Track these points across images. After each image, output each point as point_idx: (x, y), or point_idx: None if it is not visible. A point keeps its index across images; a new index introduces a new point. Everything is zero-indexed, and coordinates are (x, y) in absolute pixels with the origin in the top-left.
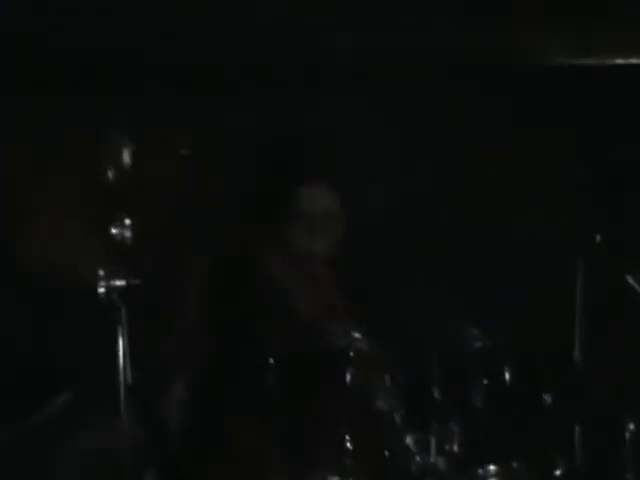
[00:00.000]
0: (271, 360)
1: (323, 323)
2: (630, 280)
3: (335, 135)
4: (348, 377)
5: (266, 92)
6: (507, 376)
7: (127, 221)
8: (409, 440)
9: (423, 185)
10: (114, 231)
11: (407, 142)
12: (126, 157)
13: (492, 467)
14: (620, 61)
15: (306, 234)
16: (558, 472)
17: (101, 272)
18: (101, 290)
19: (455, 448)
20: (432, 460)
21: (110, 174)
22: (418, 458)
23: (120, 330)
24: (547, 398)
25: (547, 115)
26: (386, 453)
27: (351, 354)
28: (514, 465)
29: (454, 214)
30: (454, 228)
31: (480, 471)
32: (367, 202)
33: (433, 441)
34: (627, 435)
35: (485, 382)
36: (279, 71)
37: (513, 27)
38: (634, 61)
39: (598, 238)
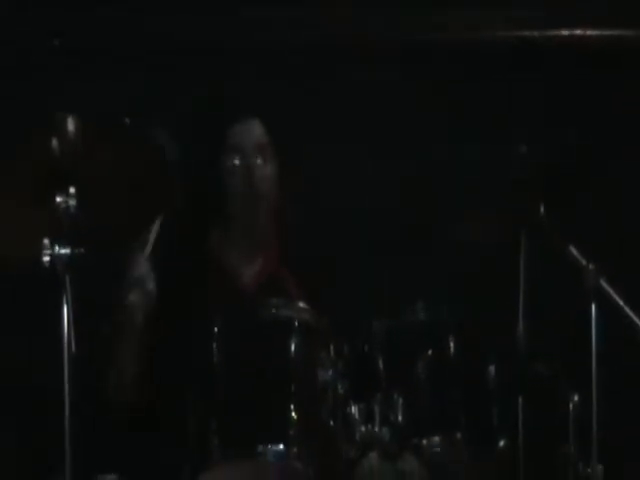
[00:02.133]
0: (215, 329)
1: (265, 292)
2: (573, 252)
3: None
4: (292, 347)
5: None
6: (451, 348)
7: (72, 190)
8: (353, 410)
9: (368, 165)
10: (58, 200)
11: (357, 124)
12: (70, 126)
13: (436, 438)
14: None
15: (242, 166)
16: (501, 444)
17: (45, 241)
18: (46, 259)
19: (399, 418)
20: (376, 430)
21: (54, 143)
22: (362, 428)
23: (64, 299)
24: (490, 370)
25: (488, 92)
26: (330, 423)
27: (295, 324)
28: (457, 436)
29: (401, 193)
30: (397, 205)
31: (424, 442)
32: (316, 177)
33: (377, 411)
34: (570, 406)
35: (429, 353)
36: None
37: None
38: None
39: (542, 210)
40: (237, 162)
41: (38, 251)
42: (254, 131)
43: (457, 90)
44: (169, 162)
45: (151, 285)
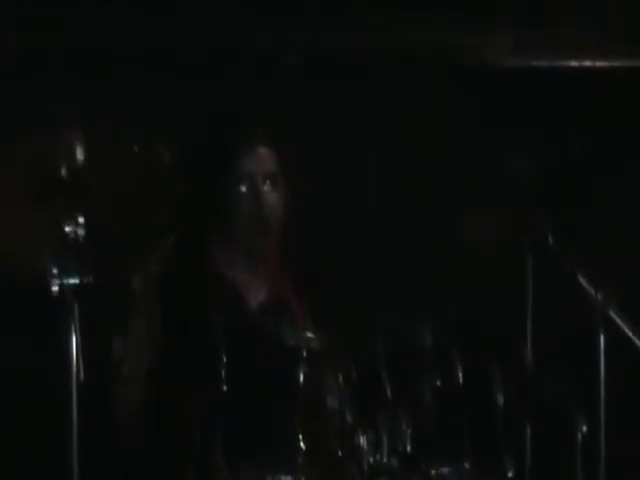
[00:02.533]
0: (222, 356)
1: (274, 318)
2: (581, 280)
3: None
4: (300, 376)
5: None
6: (459, 375)
7: (80, 219)
8: (361, 439)
9: (369, 182)
10: (67, 229)
11: (354, 129)
12: (79, 153)
13: (445, 468)
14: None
15: (251, 193)
16: (509, 474)
17: (54, 270)
18: (54, 288)
19: (407, 448)
20: (384, 460)
21: (63, 171)
22: (371, 458)
23: (73, 327)
24: (499, 398)
25: (493, 111)
26: (339, 452)
27: (303, 353)
28: (466, 466)
29: (404, 213)
30: (404, 226)
31: (433, 472)
32: (318, 200)
33: (385, 440)
34: (579, 436)
35: (436, 381)
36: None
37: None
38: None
39: (550, 238)
40: (245, 189)
41: (45, 277)
42: (265, 159)
43: (458, 93)
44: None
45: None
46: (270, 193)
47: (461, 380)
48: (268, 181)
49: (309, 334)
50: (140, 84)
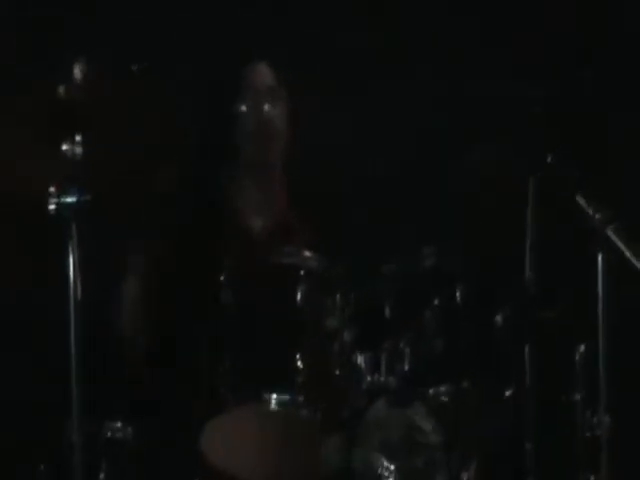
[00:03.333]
0: (222, 277)
1: (275, 241)
2: (580, 200)
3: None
4: (299, 295)
5: None
6: (458, 295)
7: (78, 137)
8: (359, 359)
9: (377, 111)
10: (65, 147)
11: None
12: (77, 73)
13: (443, 387)
14: None
15: (253, 107)
16: (508, 393)
17: (52, 189)
18: (51, 207)
19: (406, 367)
20: (383, 379)
21: (61, 90)
22: (369, 377)
23: (71, 246)
24: (498, 318)
25: (496, 33)
26: (336, 372)
27: (302, 272)
28: (465, 385)
29: (406, 137)
30: (407, 152)
31: (431, 391)
32: (322, 126)
33: (384, 360)
34: (577, 356)
35: (436, 301)
36: None
37: None
38: None
39: (549, 158)
40: (248, 105)
41: (44, 197)
42: (264, 74)
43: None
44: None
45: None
46: (271, 108)
47: (460, 301)
48: (269, 96)
49: (307, 253)
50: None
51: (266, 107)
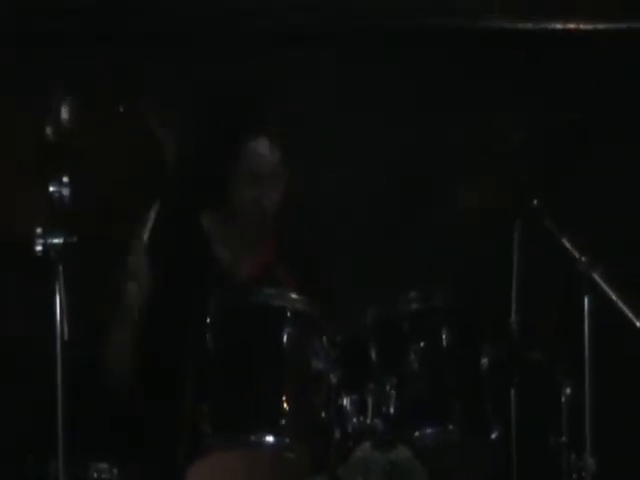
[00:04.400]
0: (209, 316)
1: (261, 283)
2: (566, 243)
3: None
4: (285, 336)
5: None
6: (444, 338)
7: (65, 179)
8: (345, 401)
9: (358, 152)
10: (52, 189)
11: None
12: (65, 113)
13: (428, 430)
14: (559, 26)
15: (252, 187)
16: (494, 435)
17: (38, 230)
18: (38, 248)
19: (392, 410)
20: (368, 421)
21: (49, 130)
22: (355, 419)
23: (57, 286)
24: (484, 361)
25: (482, 78)
26: (322, 414)
27: (288, 314)
28: (450, 428)
29: (391, 178)
30: (391, 192)
31: (416, 434)
32: (308, 170)
33: (369, 403)
34: (563, 399)
35: (422, 344)
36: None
37: None
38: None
39: (535, 202)
40: (248, 184)
41: (31, 238)
42: (270, 158)
43: (450, 67)
44: (165, 146)
45: (146, 270)
46: (271, 189)
47: (447, 344)
48: (270, 178)
49: (294, 295)
50: (133, 54)
51: (268, 192)
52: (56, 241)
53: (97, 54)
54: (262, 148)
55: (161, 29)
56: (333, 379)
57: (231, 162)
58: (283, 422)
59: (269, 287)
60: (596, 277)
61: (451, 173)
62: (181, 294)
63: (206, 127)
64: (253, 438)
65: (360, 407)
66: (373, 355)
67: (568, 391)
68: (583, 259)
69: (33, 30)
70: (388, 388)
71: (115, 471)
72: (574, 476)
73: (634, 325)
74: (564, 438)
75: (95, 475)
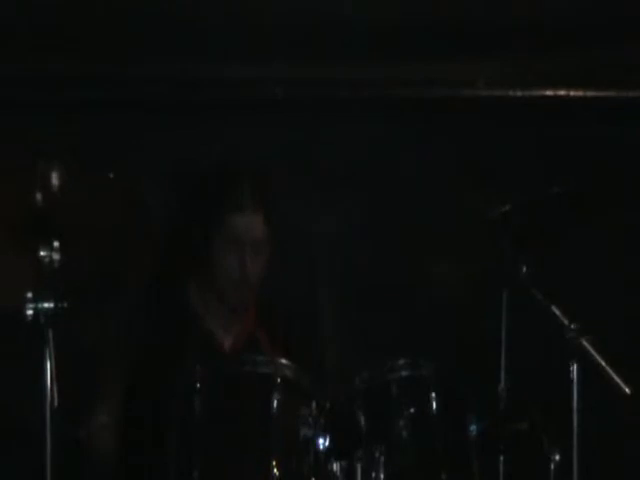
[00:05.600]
0: (197, 385)
1: (247, 352)
2: (555, 310)
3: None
4: (274, 403)
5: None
6: (433, 406)
7: (55, 243)
8: (335, 467)
9: (347, 221)
10: (42, 253)
11: (336, 177)
12: (55, 179)
13: None
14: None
15: (237, 259)
16: None
17: (29, 294)
18: (29, 312)
19: (381, 476)
20: None
21: (38, 196)
22: None
23: (47, 352)
24: (472, 428)
25: (466, 147)
26: None
27: (277, 380)
28: None
29: (380, 247)
30: (381, 261)
31: None
32: (294, 235)
33: (359, 469)
34: (552, 466)
35: (411, 411)
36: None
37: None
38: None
39: (523, 269)
40: (232, 254)
41: (21, 303)
42: (254, 227)
43: (436, 143)
44: (152, 213)
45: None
46: (255, 258)
47: (434, 411)
48: (254, 248)
49: (283, 361)
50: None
51: (250, 260)
52: (47, 305)
53: (86, 120)
54: (249, 217)
55: (148, 97)
56: (322, 445)
57: (214, 229)
58: None
59: (256, 356)
60: (585, 343)
61: (438, 245)
62: (166, 363)
63: (188, 197)
64: None
65: (349, 473)
66: (362, 421)
67: (557, 458)
68: (573, 326)
69: (18, 98)
70: (377, 455)
71: None
72: None
73: (623, 391)
74: None
75: None
